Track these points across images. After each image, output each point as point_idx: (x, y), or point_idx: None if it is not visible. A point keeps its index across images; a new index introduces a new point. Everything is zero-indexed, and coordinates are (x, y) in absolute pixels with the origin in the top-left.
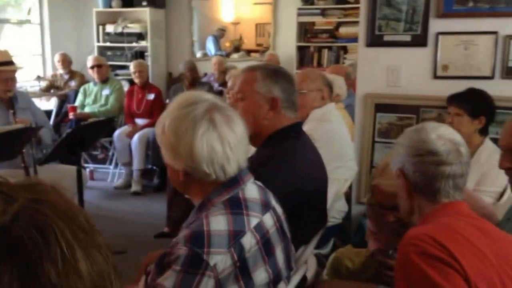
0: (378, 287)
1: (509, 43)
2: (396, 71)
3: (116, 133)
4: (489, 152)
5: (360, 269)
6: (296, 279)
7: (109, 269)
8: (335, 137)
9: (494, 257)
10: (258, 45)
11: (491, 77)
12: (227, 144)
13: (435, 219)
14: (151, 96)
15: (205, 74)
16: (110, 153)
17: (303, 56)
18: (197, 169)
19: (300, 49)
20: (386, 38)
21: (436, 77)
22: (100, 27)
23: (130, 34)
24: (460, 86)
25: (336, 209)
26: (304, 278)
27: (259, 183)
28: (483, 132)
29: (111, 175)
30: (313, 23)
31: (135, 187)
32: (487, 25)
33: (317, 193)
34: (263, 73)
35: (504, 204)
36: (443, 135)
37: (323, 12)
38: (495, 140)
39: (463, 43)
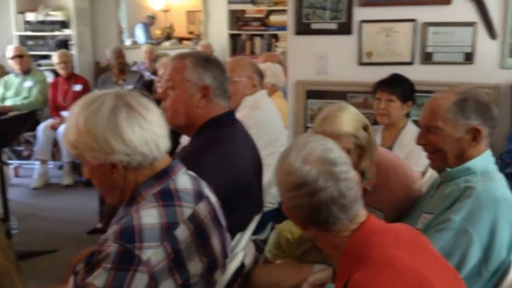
0: (313, 266)
1: (426, 30)
2: (324, 58)
3: (41, 126)
4: (411, 134)
5: (299, 240)
6: (233, 266)
7: (9, 266)
8: (268, 124)
9: (432, 274)
10: (190, 32)
11: (411, 63)
12: (151, 122)
13: (366, 254)
14: (78, 87)
15: (135, 63)
16: (35, 149)
17: (236, 44)
18: (134, 154)
19: (232, 37)
20: (314, 26)
21: (361, 63)
22: (20, 15)
23: (52, 22)
24: (384, 72)
25: (271, 194)
26: (242, 265)
27: (191, 173)
28: (406, 115)
29: (37, 171)
30: (244, 11)
31: (67, 181)
32: (406, 13)
33: (253, 180)
34: (193, 61)
35: (426, 182)
36: (310, 156)
37: (253, 0)
38: (416, 123)
39: (384, 31)
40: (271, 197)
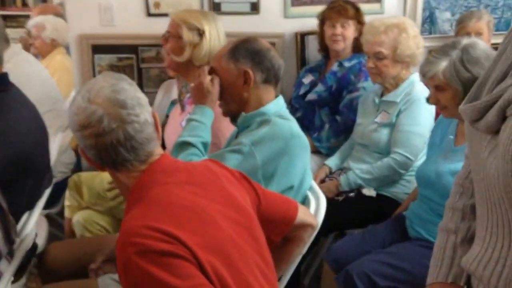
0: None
1: None
2: (108, 9)
3: None
4: None
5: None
6: (22, 251)
7: None
8: (30, 81)
9: (218, 212)
10: None
11: None
12: None
13: (146, 194)
14: None
15: None
16: None
17: None
18: None
19: None
20: None
21: (149, 14)
22: None
23: None
24: None
25: (62, 162)
26: (34, 246)
27: None
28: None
29: None
30: None
31: None
32: None
33: (38, 151)
34: None
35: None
36: (97, 97)
37: None
38: None
39: None
40: (62, 165)
